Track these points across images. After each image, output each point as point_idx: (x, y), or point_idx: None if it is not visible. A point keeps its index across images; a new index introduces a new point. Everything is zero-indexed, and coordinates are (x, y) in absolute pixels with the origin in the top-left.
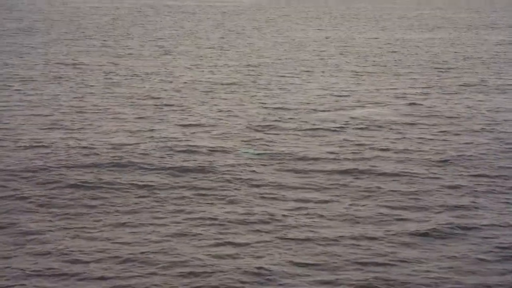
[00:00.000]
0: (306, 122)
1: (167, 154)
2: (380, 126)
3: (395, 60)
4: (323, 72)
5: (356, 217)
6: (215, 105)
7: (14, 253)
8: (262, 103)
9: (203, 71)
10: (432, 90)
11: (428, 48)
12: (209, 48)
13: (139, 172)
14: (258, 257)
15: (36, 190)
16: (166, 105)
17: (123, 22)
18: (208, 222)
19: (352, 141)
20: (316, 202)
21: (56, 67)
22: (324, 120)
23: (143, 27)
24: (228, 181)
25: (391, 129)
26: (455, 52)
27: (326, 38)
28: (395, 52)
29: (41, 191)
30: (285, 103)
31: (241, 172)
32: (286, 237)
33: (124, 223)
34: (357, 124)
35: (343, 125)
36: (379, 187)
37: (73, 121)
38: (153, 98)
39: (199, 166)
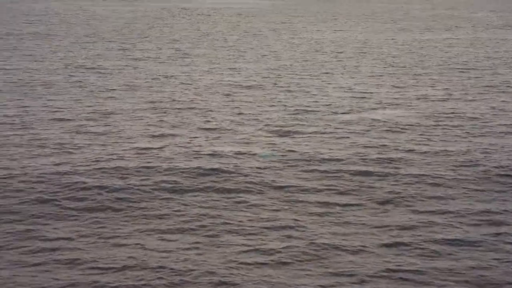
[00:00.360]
0: (329, 124)
1: (194, 158)
2: (403, 128)
3: (414, 61)
4: (342, 73)
5: (383, 222)
6: (237, 107)
7: (44, 260)
8: (284, 105)
9: (222, 73)
10: (454, 91)
11: (447, 49)
12: (227, 50)
13: (165, 175)
14: (286, 265)
15: (63, 195)
16: (187, 108)
17: (139, 25)
18: (234, 227)
19: (376, 143)
20: (342, 206)
21: (76, 71)
22: (347, 122)
23: (159, 30)
24: (253, 184)
25: (414, 130)
26: (475, 52)
27: (343, 39)
28: (413, 52)
29: (68, 196)
30: (307, 106)
31: (266, 175)
32: (314, 242)
33: (152, 228)
34: (380, 126)
35: (366, 127)
36: (405, 189)
37: (97, 126)
38: (174, 101)
39: (224, 170)
